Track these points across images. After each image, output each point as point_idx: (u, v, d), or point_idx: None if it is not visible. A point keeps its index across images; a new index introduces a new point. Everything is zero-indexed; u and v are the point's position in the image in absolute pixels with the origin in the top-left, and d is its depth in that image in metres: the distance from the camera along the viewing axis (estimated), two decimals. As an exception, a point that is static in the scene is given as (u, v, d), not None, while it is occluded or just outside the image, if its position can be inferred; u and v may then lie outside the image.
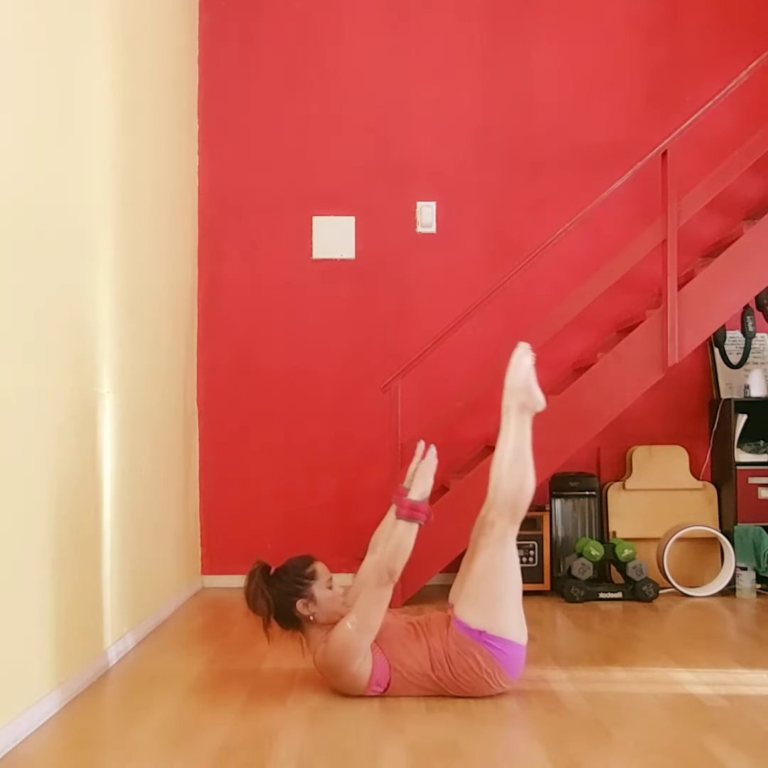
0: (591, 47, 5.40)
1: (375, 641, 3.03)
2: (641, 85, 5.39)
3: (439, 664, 3.02)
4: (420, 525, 3.04)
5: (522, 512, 3.14)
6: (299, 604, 3.05)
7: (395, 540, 3.01)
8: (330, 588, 3.12)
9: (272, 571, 3.11)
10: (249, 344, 5.33)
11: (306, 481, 5.27)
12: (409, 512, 3.03)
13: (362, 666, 2.98)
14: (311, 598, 3.05)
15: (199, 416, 5.31)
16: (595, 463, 5.29)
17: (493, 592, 3.04)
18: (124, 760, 2.54)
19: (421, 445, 3.19)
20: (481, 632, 3.00)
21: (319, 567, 3.14)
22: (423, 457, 3.15)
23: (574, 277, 5.12)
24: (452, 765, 2.47)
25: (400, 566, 2.99)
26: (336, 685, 3.07)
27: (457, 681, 3.02)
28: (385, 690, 3.03)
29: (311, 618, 3.06)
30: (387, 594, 2.99)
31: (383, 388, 4.69)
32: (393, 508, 3.32)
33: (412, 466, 3.17)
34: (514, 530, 3.12)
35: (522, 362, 3.22)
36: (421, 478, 3.09)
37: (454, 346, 4.93)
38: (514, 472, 3.16)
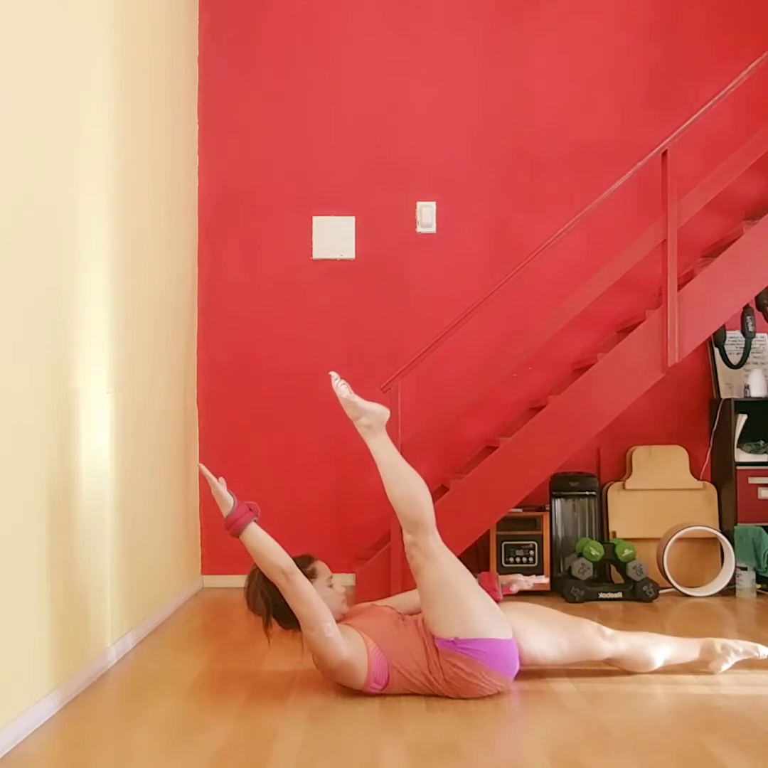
0: (590, 47, 5.40)
1: (371, 638, 3.03)
2: (641, 85, 5.38)
3: (435, 666, 3.02)
4: (255, 521, 3.02)
5: (430, 519, 3.10)
6: (298, 604, 3.05)
7: (251, 551, 3.00)
8: (330, 586, 3.12)
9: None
10: (249, 344, 5.33)
11: (306, 482, 5.27)
12: (236, 527, 3.02)
13: (352, 654, 2.97)
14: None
15: (199, 416, 5.31)
16: (595, 463, 5.29)
17: (450, 601, 3.02)
18: (124, 760, 2.54)
19: (200, 466, 3.18)
20: (454, 641, 2.99)
21: (319, 565, 3.14)
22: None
23: (574, 277, 5.11)
24: (452, 765, 2.47)
25: (279, 562, 2.95)
26: (338, 682, 3.07)
27: (450, 685, 3.02)
28: (384, 687, 3.03)
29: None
30: (300, 587, 2.94)
31: (383, 388, 4.69)
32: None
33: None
34: (435, 537, 3.09)
35: (339, 393, 3.24)
36: (216, 498, 3.08)
37: (454, 346, 4.93)
38: (400, 491, 3.13)
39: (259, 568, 3.02)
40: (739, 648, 3.33)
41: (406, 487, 3.13)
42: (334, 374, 3.28)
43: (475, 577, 3.19)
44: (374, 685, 3.03)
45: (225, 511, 3.04)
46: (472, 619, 3.01)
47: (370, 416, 3.21)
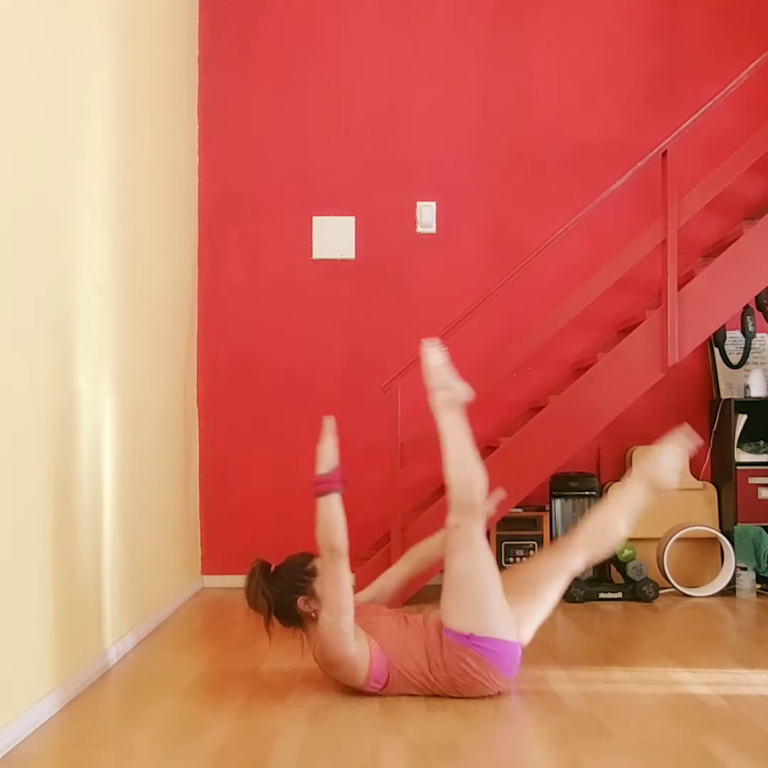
0: (590, 47, 5.40)
1: (373, 637, 3.03)
2: (641, 85, 5.39)
3: (436, 665, 3.02)
4: (340, 493, 3.00)
5: (481, 507, 3.10)
6: (300, 602, 3.05)
7: (320, 519, 2.98)
8: (330, 585, 3.13)
9: (272, 569, 3.12)
10: (249, 344, 5.33)
11: (306, 481, 5.25)
12: (323, 487, 3.00)
13: (357, 649, 2.97)
14: (312, 595, 3.05)
15: (199, 416, 5.31)
16: (595, 463, 5.29)
17: (474, 594, 3.02)
18: (124, 760, 2.54)
19: (326, 419, 3.14)
20: (469, 636, 2.99)
21: (319, 563, 3.14)
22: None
23: (574, 277, 5.11)
24: (452, 765, 2.47)
25: (337, 540, 2.95)
26: (337, 678, 3.07)
27: (453, 683, 3.01)
28: (384, 687, 3.04)
29: (312, 615, 3.06)
30: (340, 571, 2.95)
31: (383, 388, 4.69)
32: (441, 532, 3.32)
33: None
34: (480, 526, 3.09)
35: (431, 361, 3.21)
36: (323, 451, 3.06)
37: (454, 346, 4.91)
38: (461, 473, 3.11)
39: (317, 535, 2.99)
40: (666, 448, 3.28)
41: (468, 471, 3.10)
42: (431, 341, 3.23)
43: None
44: (374, 685, 3.03)
45: (322, 469, 3.02)
46: (489, 617, 3.01)
47: (452, 391, 3.18)
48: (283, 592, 3.05)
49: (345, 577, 2.96)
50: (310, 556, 3.15)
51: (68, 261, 3.17)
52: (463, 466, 3.13)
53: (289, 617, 3.08)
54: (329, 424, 3.09)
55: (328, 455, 3.05)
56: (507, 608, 3.06)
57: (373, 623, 3.09)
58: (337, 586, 2.95)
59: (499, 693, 3.06)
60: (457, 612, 3.02)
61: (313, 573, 3.09)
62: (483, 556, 3.07)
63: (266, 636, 3.06)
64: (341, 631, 2.95)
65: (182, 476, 4.92)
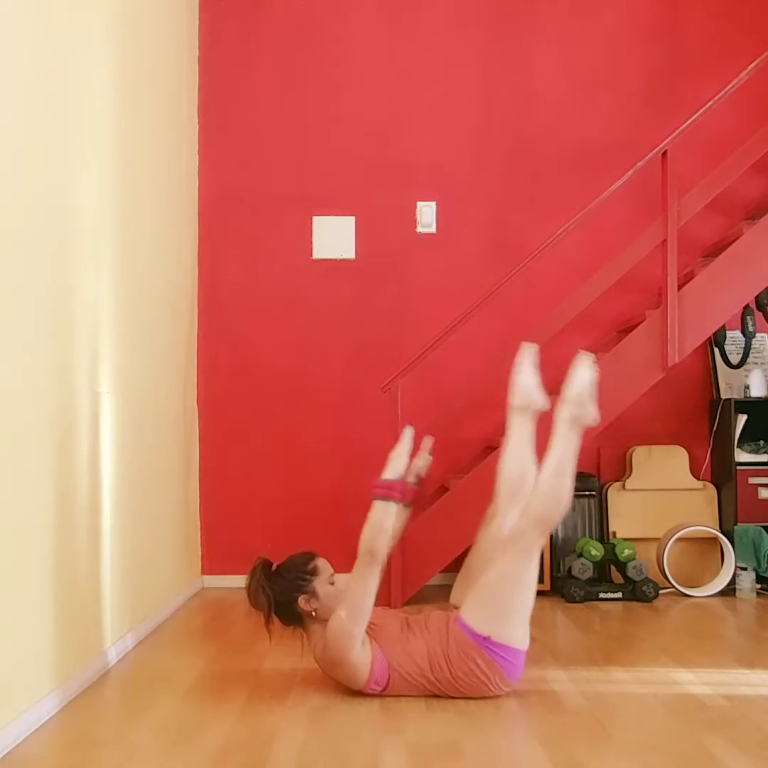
0: (591, 47, 5.40)
1: (375, 640, 3.03)
2: (641, 85, 5.39)
3: (438, 666, 3.02)
4: (396, 503, 3.02)
5: (554, 527, 3.10)
6: (301, 600, 3.05)
7: (371, 520, 3.00)
8: (332, 583, 3.12)
9: (274, 567, 3.12)
10: (249, 344, 5.33)
11: (306, 481, 5.27)
12: (384, 492, 3.02)
13: (361, 654, 2.98)
14: (313, 594, 3.06)
15: (199, 416, 5.31)
16: (595, 463, 5.29)
17: (507, 602, 3.02)
18: (124, 760, 2.54)
19: (406, 429, 3.19)
20: (485, 638, 2.99)
21: (321, 563, 3.14)
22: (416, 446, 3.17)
23: (574, 277, 5.12)
24: (452, 765, 2.47)
25: (380, 546, 2.97)
26: (337, 678, 3.07)
27: (456, 683, 3.01)
28: (384, 689, 3.03)
29: (313, 614, 3.06)
30: (373, 576, 2.97)
31: (383, 389, 4.69)
32: None
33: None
34: (542, 544, 3.06)
35: (581, 375, 3.15)
36: (394, 457, 3.09)
37: (454, 346, 4.93)
38: (554, 488, 3.08)
39: (362, 535, 3.01)
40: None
41: (561, 492, 3.07)
42: (587, 354, 3.16)
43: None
44: (374, 687, 3.03)
45: (388, 475, 3.05)
46: (511, 626, 3.01)
47: (583, 411, 3.14)
48: (283, 591, 3.05)
49: (373, 584, 2.98)
50: (311, 556, 3.15)
51: (68, 261, 3.18)
52: (558, 485, 3.08)
53: (290, 616, 3.08)
54: (408, 432, 3.13)
55: (398, 463, 3.09)
56: (528, 620, 3.07)
57: (374, 625, 3.09)
58: (365, 590, 2.97)
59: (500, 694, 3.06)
60: (482, 612, 3.02)
61: (314, 572, 3.09)
62: (531, 570, 3.05)
63: (266, 635, 3.07)
64: (352, 633, 2.95)
65: (182, 476, 4.92)
